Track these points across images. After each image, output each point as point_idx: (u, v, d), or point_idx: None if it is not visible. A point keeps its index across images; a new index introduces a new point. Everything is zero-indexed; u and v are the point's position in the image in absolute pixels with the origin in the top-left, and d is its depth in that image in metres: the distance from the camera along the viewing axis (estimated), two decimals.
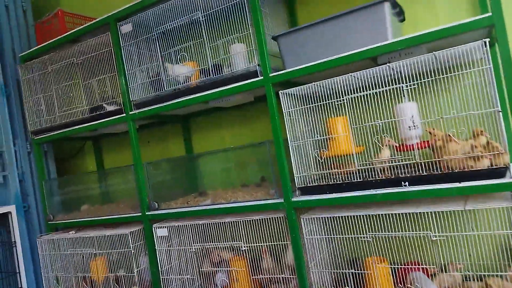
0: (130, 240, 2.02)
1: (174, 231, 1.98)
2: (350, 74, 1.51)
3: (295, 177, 1.65)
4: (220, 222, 1.83)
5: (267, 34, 1.73)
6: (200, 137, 2.48)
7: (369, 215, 1.50)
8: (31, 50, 2.44)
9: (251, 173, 2.11)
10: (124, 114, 2.09)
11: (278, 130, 1.66)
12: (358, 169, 1.56)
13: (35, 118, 2.43)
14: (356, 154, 1.58)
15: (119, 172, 2.36)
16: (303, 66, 1.59)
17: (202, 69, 1.91)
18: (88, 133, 2.53)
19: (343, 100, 1.54)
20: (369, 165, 1.55)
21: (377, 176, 1.51)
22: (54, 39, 2.31)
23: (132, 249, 2.02)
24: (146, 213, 2.04)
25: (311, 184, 1.63)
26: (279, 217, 1.69)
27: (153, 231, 1.99)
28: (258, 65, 1.71)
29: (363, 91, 1.54)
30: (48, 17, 2.37)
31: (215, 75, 1.82)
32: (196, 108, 2.25)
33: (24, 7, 2.68)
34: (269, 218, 1.71)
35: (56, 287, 2.27)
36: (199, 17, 1.83)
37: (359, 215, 1.53)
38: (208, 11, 1.82)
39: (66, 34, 2.26)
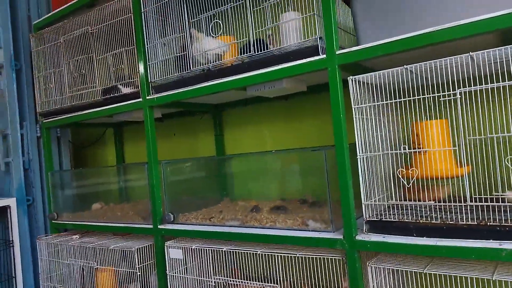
0: (137, 259, 1.60)
1: (190, 254, 1.53)
2: (468, 54, 0.95)
3: (363, 205, 1.12)
4: (250, 252, 1.34)
5: None
6: (234, 132, 2.00)
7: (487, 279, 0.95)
8: (44, 17, 2.07)
9: (296, 186, 1.60)
10: (141, 99, 1.65)
11: (343, 133, 1.13)
12: (469, 205, 1.00)
13: (44, 97, 2.07)
14: (466, 178, 1.02)
15: (134, 169, 1.95)
16: (392, 40, 1.05)
17: (240, 43, 1.42)
18: (107, 119, 2.14)
19: (455, 94, 0.98)
20: (491, 201, 0.99)
21: (502, 219, 0.95)
22: (68, 4, 1.92)
23: (137, 270, 1.59)
24: (158, 227, 1.60)
25: (388, 219, 1.09)
26: (334, 259, 1.18)
27: (165, 251, 1.55)
28: (320, 38, 1.19)
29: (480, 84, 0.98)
30: None
31: (258, 52, 1.32)
32: (231, 96, 1.77)
33: None
34: (318, 258, 1.20)
35: None
36: None
37: (467, 277, 0.98)
38: None
39: None
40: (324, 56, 1.17)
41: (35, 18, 2.24)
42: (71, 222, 1.97)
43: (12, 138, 2.08)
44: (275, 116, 1.83)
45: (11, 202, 2.01)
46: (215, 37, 1.47)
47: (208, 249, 1.46)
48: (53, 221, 2.05)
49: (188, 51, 1.51)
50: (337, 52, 1.14)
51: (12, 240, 2.00)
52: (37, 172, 2.17)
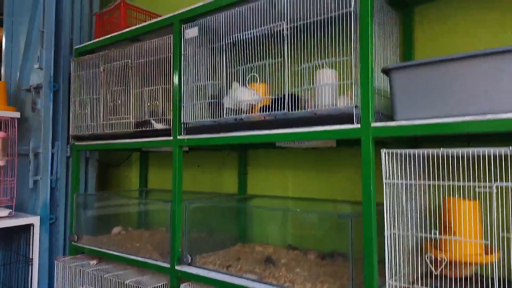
0: None
1: None
2: (508, 148, 0.93)
3: (387, 283, 1.09)
4: None
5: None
6: (258, 173, 2.01)
7: None
8: (87, 43, 2.16)
9: (317, 242, 1.59)
10: (171, 138, 1.69)
11: (372, 206, 1.12)
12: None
13: (78, 121, 2.14)
14: (495, 266, 0.99)
15: (156, 204, 1.98)
16: (431, 122, 1.04)
17: (274, 98, 1.43)
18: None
19: (490, 187, 0.96)
20: None
21: None
22: (112, 35, 2.00)
23: None
24: (176, 268, 1.61)
25: None
26: None
27: None
28: (356, 106, 1.19)
29: None
30: (109, 7, 2.07)
31: (291, 110, 1.34)
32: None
33: None
34: None
35: None
36: (282, 30, 1.36)
37: None
38: (295, 22, 1.34)
39: (124, 31, 1.93)
40: (359, 125, 1.17)
41: (77, 41, 2.33)
42: (89, 247, 2.00)
43: (43, 156, 2.15)
44: (301, 163, 1.83)
45: (35, 220, 2.07)
46: (250, 88, 1.49)
47: None
48: (72, 243, 2.09)
49: (222, 98, 1.54)
50: (372, 125, 1.14)
51: (32, 258, 2.04)
52: (62, 192, 2.22)
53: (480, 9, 1.38)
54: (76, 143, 2.16)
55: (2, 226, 1.95)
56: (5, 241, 2.28)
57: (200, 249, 1.68)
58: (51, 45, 2.19)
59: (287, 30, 1.34)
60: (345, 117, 1.21)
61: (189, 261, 1.60)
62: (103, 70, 2.03)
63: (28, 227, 2.09)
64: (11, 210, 2.07)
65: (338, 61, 1.27)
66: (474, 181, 0.99)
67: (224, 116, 1.51)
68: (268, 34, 1.42)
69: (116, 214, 2.29)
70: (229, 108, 1.53)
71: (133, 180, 2.66)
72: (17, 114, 2.20)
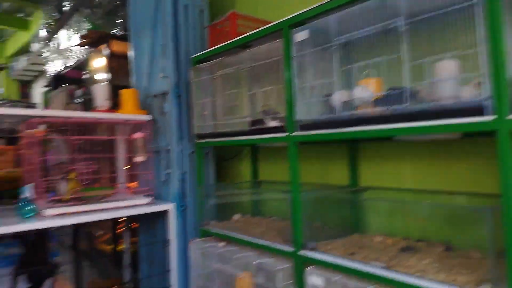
0: (276, 279, 1.78)
1: (331, 285, 1.64)
2: None
3: None
4: None
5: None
6: (370, 166, 2.04)
7: None
8: (202, 52, 2.40)
9: (441, 235, 1.58)
10: (285, 134, 1.82)
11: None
12: None
13: (200, 122, 2.41)
14: None
15: (276, 194, 2.15)
16: None
17: (389, 93, 1.45)
18: None
19: None
20: None
21: None
22: (224, 43, 2.19)
23: None
24: (298, 253, 1.75)
25: None
26: None
27: (305, 277, 1.70)
28: (489, 98, 1.16)
29: None
30: (221, 19, 2.26)
31: (409, 103, 1.35)
32: None
33: (201, 7, 2.66)
34: None
35: None
36: (398, 26, 1.37)
37: None
38: (414, 17, 1.34)
39: (236, 39, 2.11)
40: (493, 118, 1.14)
41: (192, 52, 2.58)
42: (217, 231, 2.26)
43: (172, 153, 2.48)
44: (419, 157, 1.81)
45: (170, 207, 2.41)
46: (363, 85, 1.53)
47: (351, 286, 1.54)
48: (203, 228, 2.39)
49: (335, 95, 1.61)
50: (508, 117, 1.11)
51: (169, 240, 2.40)
52: (189, 183, 2.54)
53: None
54: (198, 141, 2.44)
55: (147, 212, 2.32)
56: (146, 225, 2.70)
57: (318, 237, 1.80)
58: (172, 56, 2.49)
59: (403, 26, 1.34)
60: (473, 110, 1.19)
61: (314, 246, 1.73)
62: (219, 75, 2.25)
63: (163, 213, 2.44)
64: (152, 198, 2.44)
65: (461, 55, 1.25)
66: None
67: (338, 112, 1.59)
68: (382, 31, 1.44)
69: (235, 203, 2.54)
70: (341, 104, 1.59)
71: (245, 172, 2.89)
72: (149, 117, 2.56)
